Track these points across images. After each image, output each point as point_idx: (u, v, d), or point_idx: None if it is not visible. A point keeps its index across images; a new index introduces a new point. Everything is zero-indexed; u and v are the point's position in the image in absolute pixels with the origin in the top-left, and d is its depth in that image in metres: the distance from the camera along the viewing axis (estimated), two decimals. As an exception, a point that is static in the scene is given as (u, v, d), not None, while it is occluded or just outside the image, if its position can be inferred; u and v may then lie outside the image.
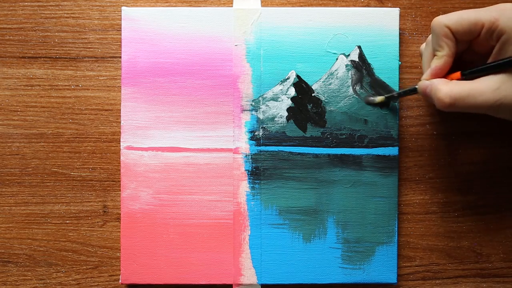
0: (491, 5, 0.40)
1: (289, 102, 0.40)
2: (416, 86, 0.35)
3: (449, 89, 0.31)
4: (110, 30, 0.41)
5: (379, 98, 0.39)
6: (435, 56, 0.33)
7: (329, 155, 0.39)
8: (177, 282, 0.39)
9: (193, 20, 0.39)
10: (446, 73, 0.33)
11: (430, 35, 0.35)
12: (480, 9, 0.31)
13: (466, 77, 0.32)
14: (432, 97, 0.33)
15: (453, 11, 0.32)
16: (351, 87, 0.39)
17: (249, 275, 0.39)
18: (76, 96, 0.41)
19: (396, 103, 0.39)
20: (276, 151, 0.39)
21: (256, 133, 0.40)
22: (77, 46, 0.41)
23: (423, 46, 0.37)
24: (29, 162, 0.41)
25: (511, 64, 0.30)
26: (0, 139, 0.41)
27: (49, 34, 0.41)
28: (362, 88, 0.39)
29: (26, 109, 0.41)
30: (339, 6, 0.41)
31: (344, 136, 0.39)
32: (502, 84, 0.30)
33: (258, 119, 0.40)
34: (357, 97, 0.39)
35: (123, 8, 0.39)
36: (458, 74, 0.33)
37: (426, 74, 0.34)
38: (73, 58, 0.41)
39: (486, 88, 0.30)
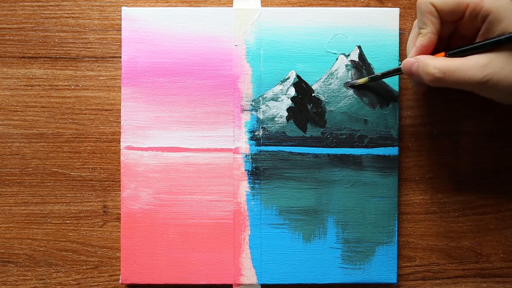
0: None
1: (289, 102, 0.40)
2: (400, 66, 0.35)
3: (438, 63, 0.31)
4: (110, 30, 0.41)
5: (361, 80, 0.39)
6: (419, 34, 0.33)
7: (329, 155, 0.39)
8: (177, 282, 0.39)
9: (193, 20, 0.39)
10: (431, 52, 0.33)
11: (415, 20, 0.35)
12: None
13: (450, 56, 0.32)
14: (419, 73, 0.32)
15: None
16: (347, 83, 0.39)
17: (249, 275, 0.39)
18: (76, 96, 0.41)
19: (397, 104, 0.39)
20: (276, 151, 0.39)
21: (256, 133, 0.40)
22: (77, 46, 0.41)
23: (411, 36, 0.37)
24: (29, 162, 0.41)
25: (496, 44, 0.30)
26: (0, 139, 0.41)
27: (49, 34, 0.41)
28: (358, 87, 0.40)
29: (26, 109, 0.41)
30: (339, 6, 0.41)
31: (344, 136, 0.39)
32: (490, 61, 0.30)
33: (258, 119, 0.40)
34: (356, 96, 0.39)
35: (123, 8, 0.39)
36: (442, 54, 0.33)
37: (411, 53, 0.34)
38: (73, 58, 0.41)
39: (474, 64, 0.31)
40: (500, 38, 0.30)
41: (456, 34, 0.34)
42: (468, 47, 0.32)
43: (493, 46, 0.31)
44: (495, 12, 0.30)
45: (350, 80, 0.39)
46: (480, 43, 0.31)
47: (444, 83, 0.31)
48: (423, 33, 0.33)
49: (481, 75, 0.30)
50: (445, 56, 0.33)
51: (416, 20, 0.35)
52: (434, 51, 0.34)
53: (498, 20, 0.30)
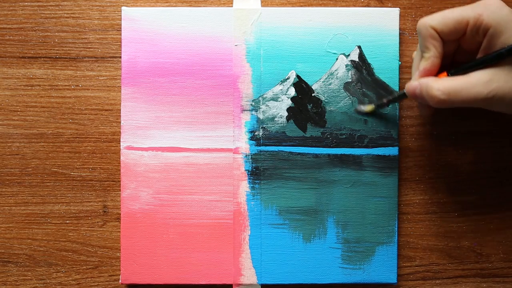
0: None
1: (289, 102, 0.40)
2: (404, 91, 0.35)
3: (441, 84, 0.31)
4: (110, 30, 0.41)
5: (368, 107, 0.39)
6: (422, 58, 0.33)
7: (329, 155, 0.39)
8: (177, 282, 0.39)
9: (193, 20, 0.39)
10: (434, 75, 0.33)
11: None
12: (464, 6, 0.31)
13: (453, 75, 0.32)
14: (424, 96, 0.32)
15: None
16: (344, 87, 0.39)
17: (249, 275, 0.39)
18: (76, 96, 0.41)
19: (397, 104, 0.39)
20: (276, 151, 0.39)
21: (256, 133, 0.40)
22: (77, 46, 0.41)
23: (415, 53, 0.37)
24: (29, 162, 0.41)
25: (498, 58, 0.30)
26: (0, 139, 0.41)
27: (49, 34, 0.41)
28: (355, 87, 0.39)
29: (26, 109, 0.41)
30: (339, 6, 0.41)
31: (344, 136, 0.39)
32: (493, 76, 0.30)
33: (258, 119, 0.40)
34: (352, 96, 0.39)
35: (123, 8, 0.39)
36: (444, 74, 0.33)
37: (414, 77, 0.34)
38: (73, 58, 0.41)
39: (478, 81, 0.30)
40: (500, 51, 0.30)
41: (460, 50, 0.34)
42: (469, 64, 0.32)
43: (495, 61, 0.30)
44: (495, 26, 0.30)
45: (357, 107, 0.39)
46: (481, 59, 0.31)
47: (450, 104, 0.31)
48: (426, 57, 0.33)
49: (485, 91, 0.30)
50: (447, 75, 0.33)
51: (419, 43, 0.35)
52: (439, 71, 0.34)
53: (499, 33, 0.30)
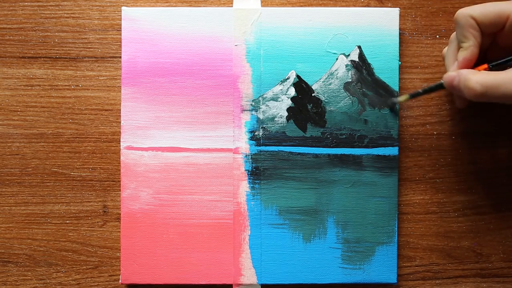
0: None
1: (289, 102, 0.40)
2: (442, 81, 0.34)
3: (480, 77, 0.31)
4: (110, 30, 0.41)
5: (402, 97, 0.38)
6: (460, 48, 0.33)
7: (329, 155, 0.39)
8: (177, 282, 0.39)
9: (193, 20, 0.39)
10: (473, 66, 0.33)
11: (452, 34, 0.35)
12: (505, 1, 0.31)
13: (493, 68, 0.32)
14: (461, 88, 0.32)
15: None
16: (344, 87, 0.39)
17: (249, 275, 0.39)
18: (76, 96, 0.41)
19: (397, 104, 0.39)
20: (276, 151, 0.39)
21: (256, 133, 0.40)
22: (77, 46, 0.41)
23: (445, 50, 0.37)
24: (29, 162, 0.41)
25: None
26: (0, 139, 0.41)
27: (49, 34, 0.41)
28: (355, 87, 0.39)
29: (26, 109, 0.41)
30: (339, 6, 0.41)
31: (344, 136, 0.39)
32: None
33: (258, 119, 0.40)
34: (352, 96, 0.39)
35: (123, 8, 0.39)
36: (485, 66, 0.32)
37: (453, 67, 0.33)
38: (73, 58, 0.41)
39: None
40: None
41: (494, 46, 0.34)
42: (510, 58, 0.31)
43: None
44: None
45: (391, 99, 0.39)
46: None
47: (487, 98, 0.31)
48: (465, 46, 0.32)
49: None
50: (488, 68, 0.32)
51: (453, 34, 0.35)
52: (474, 65, 0.33)
53: None
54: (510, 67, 0.31)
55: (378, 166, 0.39)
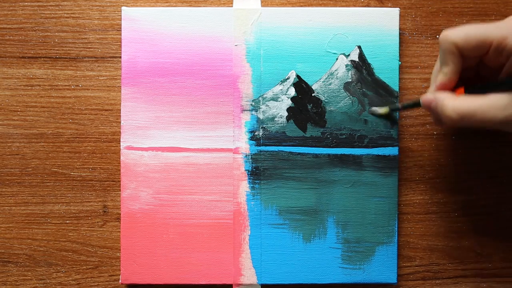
0: (492, 5, 0.40)
1: (289, 102, 0.40)
2: (419, 101, 0.34)
3: (456, 105, 0.30)
4: (110, 30, 0.41)
5: (383, 110, 0.39)
6: (440, 71, 0.33)
7: (329, 155, 0.39)
8: (177, 282, 0.39)
9: (193, 20, 0.39)
10: (452, 89, 0.33)
11: None
12: (490, 24, 0.30)
13: (470, 93, 0.31)
14: (438, 112, 0.32)
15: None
16: (343, 87, 0.39)
17: (249, 275, 0.39)
18: (76, 96, 0.41)
19: (396, 103, 0.39)
20: (276, 151, 0.39)
21: (256, 133, 0.40)
22: (77, 46, 0.41)
23: (437, 62, 0.36)
24: (29, 162, 0.41)
25: None
26: (0, 139, 0.41)
27: (49, 34, 0.41)
28: (355, 87, 0.39)
29: (26, 109, 0.41)
30: (339, 6, 0.41)
31: (344, 136, 0.39)
32: (509, 102, 0.29)
33: (258, 119, 0.40)
34: (352, 96, 0.39)
35: (123, 8, 0.39)
36: (461, 90, 0.32)
37: (431, 88, 0.34)
38: (73, 58, 0.41)
39: (495, 104, 0.29)
40: None
41: (483, 65, 0.33)
42: (487, 85, 0.31)
43: None
44: None
45: (371, 109, 0.39)
46: (501, 82, 0.30)
47: (463, 125, 0.31)
48: (444, 72, 0.32)
49: (502, 116, 0.29)
50: (464, 92, 0.32)
51: None
52: (457, 84, 0.33)
53: None
54: (492, 90, 0.30)
55: (378, 166, 0.39)
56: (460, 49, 0.31)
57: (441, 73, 0.32)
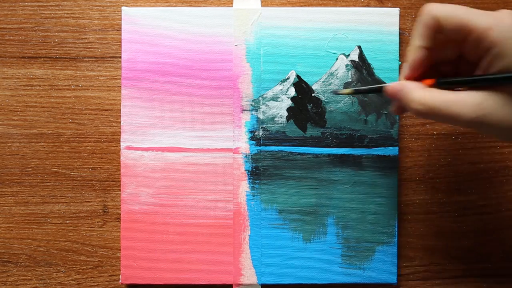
0: (492, 5, 0.40)
1: (289, 102, 0.40)
2: (385, 86, 0.31)
3: (425, 97, 0.28)
4: (110, 30, 0.41)
5: (346, 91, 0.36)
6: (410, 46, 0.30)
7: (329, 155, 0.39)
8: (177, 282, 0.39)
9: (193, 20, 0.39)
10: (424, 70, 0.30)
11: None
12: (479, 11, 0.28)
13: (441, 86, 0.29)
14: (404, 102, 0.29)
15: None
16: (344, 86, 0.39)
17: (249, 275, 0.39)
18: (76, 96, 0.41)
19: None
20: (276, 151, 0.39)
21: (256, 133, 0.40)
22: (77, 46, 0.41)
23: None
24: (29, 162, 0.41)
25: (493, 82, 0.27)
26: (0, 139, 0.41)
27: (49, 34, 0.41)
28: (356, 87, 0.39)
29: (26, 109, 0.41)
30: (339, 6, 0.41)
31: (344, 136, 0.39)
32: (485, 100, 0.26)
33: (258, 119, 0.40)
34: (352, 96, 0.39)
35: (123, 8, 0.39)
36: (433, 80, 0.29)
37: (402, 72, 0.31)
38: (73, 58, 0.41)
39: (466, 101, 0.27)
40: (495, 76, 0.26)
41: (463, 60, 0.30)
42: (460, 79, 0.28)
43: (489, 84, 0.27)
44: (501, 46, 0.26)
45: (335, 89, 0.38)
46: (474, 78, 0.28)
47: (430, 119, 0.29)
48: (416, 45, 0.29)
49: (472, 115, 0.26)
50: (435, 83, 0.29)
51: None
52: (438, 74, 0.31)
53: (502, 55, 0.26)
54: (465, 86, 0.28)
55: (378, 166, 0.39)
56: (440, 25, 0.28)
57: (411, 47, 0.29)
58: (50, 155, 0.41)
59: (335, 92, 0.39)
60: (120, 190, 0.40)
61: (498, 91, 0.26)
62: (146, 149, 0.39)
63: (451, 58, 0.30)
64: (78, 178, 0.41)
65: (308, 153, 0.39)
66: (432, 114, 0.28)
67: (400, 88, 0.30)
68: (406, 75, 0.30)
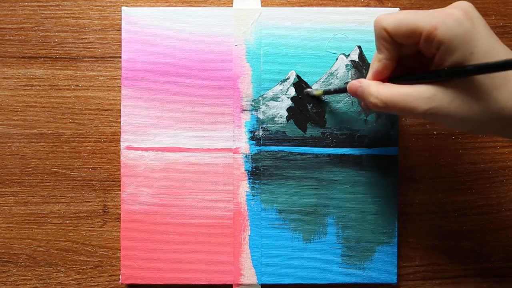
0: (492, 5, 0.41)
1: (289, 102, 0.40)
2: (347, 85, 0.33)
3: (380, 91, 0.29)
4: (110, 30, 0.41)
5: (317, 91, 0.38)
6: (375, 58, 0.31)
7: (329, 155, 0.39)
8: (177, 282, 0.39)
9: (193, 20, 0.39)
10: (387, 76, 0.31)
11: None
12: (423, 13, 0.28)
13: (394, 82, 0.30)
14: (363, 98, 0.31)
15: None
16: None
17: (249, 275, 0.39)
18: (76, 96, 0.41)
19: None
20: (276, 151, 0.39)
21: (256, 133, 0.40)
22: (77, 46, 0.41)
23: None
24: (29, 162, 0.41)
25: (438, 76, 0.28)
26: (0, 139, 0.41)
27: (49, 34, 0.41)
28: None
29: (26, 109, 0.41)
30: (339, 6, 0.41)
31: (344, 136, 0.39)
32: (436, 93, 0.28)
33: (258, 119, 0.40)
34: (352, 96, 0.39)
35: (123, 8, 0.39)
36: (386, 79, 0.31)
37: (368, 76, 0.32)
38: (73, 58, 0.41)
39: (419, 95, 0.28)
40: (439, 71, 0.28)
41: (423, 56, 0.31)
42: (410, 76, 0.30)
43: (436, 79, 0.28)
44: (448, 43, 0.27)
45: (308, 89, 0.39)
46: (423, 74, 0.29)
47: (387, 112, 0.30)
48: (379, 58, 0.31)
49: (425, 107, 0.28)
50: (388, 81, 0.31)
51: None
52: (401, 68, 0.32)
53: (451, 51, 0.27)
54: (419, 81, 0.29)
55: (378, 166, 0.39)
56: (391, 35, 0.29)
57: (375, 60, 0.31)
58: (50, 155, 0.41)
59: (306, 93, 0.39)
60: (120, 190, 0.40)
61: (448, 85, 0.28)
62: (146, 149, 0.39)
63: (412, 54, 0.31)
64: (78, 178, 0.41)
65: (308, 153, 0.39)
66: (388, 108, 0.29)
67: (358, 85, 0.31)
68: (369, 79, 0.32)
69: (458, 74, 0.27)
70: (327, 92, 0.38)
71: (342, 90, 0.36)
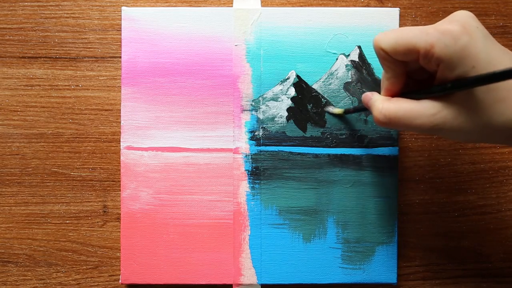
0: (492, 5, 0.41)
1: (289, 102, 0.40)
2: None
3: (385, 107, 0.29)
4: (110, 30, 0.41)
5: (337, 110, 0.39)
6: (383, 76, 0.31)
7: (329, 155, 0.39)
8: (177, 282, 0.39)
9: (193, 20, 0.39)
10: (399, 90, 0.31)
11: None
12: (419, 30, 0.27)
13: (407, 97, 0.30)
14: (371, 112, 0.31)
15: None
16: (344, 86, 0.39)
17: (249, 275, 0.39)
18: (76, 96, 0.41)
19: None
20: (276, 151, 0.39)
21: (256, 133, 0.40)
22: (77, 46, 0.41)
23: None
24: (29, 162, 0.41)
25: (442, 91, 0.27)
26: (0, 139, 0.41)
27: (49, 34, 0.41)
28: (355, 87, 0.39)
29: (26, 109, 0.41)
30: (339, 6, 0.41)
31: (344, 136, 0.39)
32: (441, 109, 0.27)
33: (258, 119, 0.40)
34: (352, 96, 0.40)
35: (123, 8, 0.39)
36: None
37: (381, 91, 0.32)
38: (73, 58, 0.41)
39: (424, 111, 0.28)
40: (443, 86, 0.27)
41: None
42: (412, 92, 0.29)
43: (441, 93, 0.27)
44: (447, 60, 0.26)
45: (327, 108, 0.39)
46: (428, 90, 0.28)
47: (392, 127, 0.30)
48: (386, 77, 0.31)
49: (429, 124, 0.28)
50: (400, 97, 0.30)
51: None
52: (410, 81, 0.31)
53: (451, 67, 0.27)
54: (425, 97, 0.29)
55: (378, 166, 0.39)
56: (390, 55, 0.29)
57: (384, 78, 0.31)
58: (50, 155, 0.41)
59: (327, 111, 0.39)
60: (120, 190, 0.40)
61: (453, 101, 0.27)
62: (146, 149, 0.39)
63: (419, 68, 0.30)
64: (78, 178, 0.41)
65: (308, 153, 0.39)
66: (392, 123, 0.29)
67: (370, 97, 0.31)
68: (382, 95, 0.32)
69: (460, 87, 0.26)
70: (347, 112, 0.38)
71: (361, 108, 0.36)
